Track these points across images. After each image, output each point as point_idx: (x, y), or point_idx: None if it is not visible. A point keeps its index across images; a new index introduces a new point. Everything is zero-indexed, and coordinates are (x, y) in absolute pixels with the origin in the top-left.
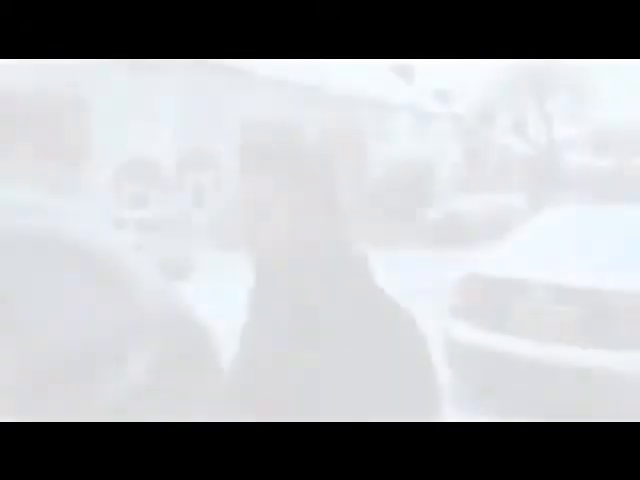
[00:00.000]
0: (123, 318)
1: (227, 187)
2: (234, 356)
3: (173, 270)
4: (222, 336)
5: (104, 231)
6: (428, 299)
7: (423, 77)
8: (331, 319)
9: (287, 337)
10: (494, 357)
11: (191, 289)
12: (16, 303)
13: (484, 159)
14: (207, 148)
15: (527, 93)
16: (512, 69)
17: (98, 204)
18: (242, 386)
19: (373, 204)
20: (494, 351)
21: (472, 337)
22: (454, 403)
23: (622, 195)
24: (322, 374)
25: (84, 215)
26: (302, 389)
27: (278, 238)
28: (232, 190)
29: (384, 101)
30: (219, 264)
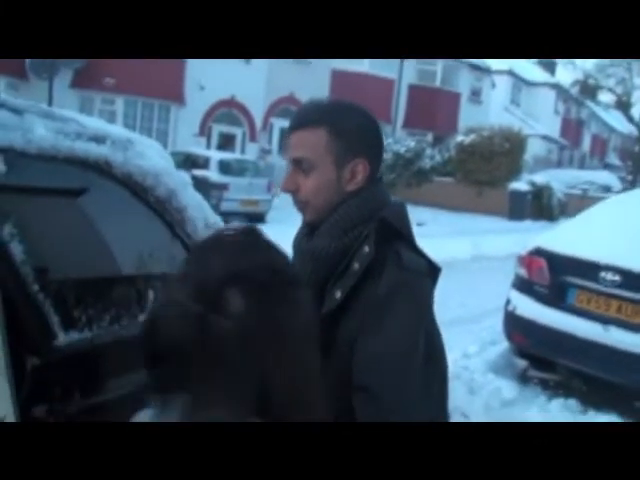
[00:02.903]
0: (174, 250)
1: None
2: None
3: (252, 211)
4: None
5: (161, 165)
6: (498, 268)
7: None
8: None
9: None
10: (552, 333)
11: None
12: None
13: (582, 134)
14: (296, 97)
15: (635, 70)
16: None
17: (181, 140)
18: None
19: (457, 168)
20: (553, 327)
21: (532, 310)
22: (508, 375)
23: None
24: None
25: (150, 150)
26: None
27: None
28: None
29: (484, 64)
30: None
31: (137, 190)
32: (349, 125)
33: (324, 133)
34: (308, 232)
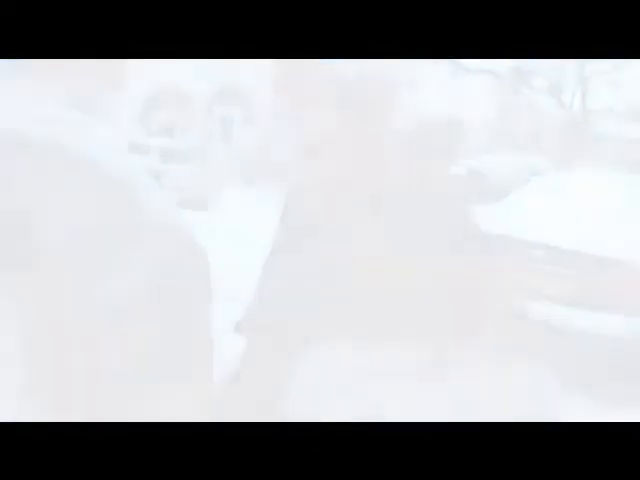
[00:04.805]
0: (125, 230)
1: (257, 123)
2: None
3: (191, 200)
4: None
5: (114, 150)
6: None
7: None
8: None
9: None
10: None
11: (206, 220)
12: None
13: (516, 119)
14: (239, 83)
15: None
16: None
17: (122, 127)
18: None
19: (396, 153)
20: None
21: None
22: None
23: None
24: None
25: (102, 133)
26: None
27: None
28: (262, 127)
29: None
30: (238, 199)
31: (88, 169)
32: None
33: None
34: None
